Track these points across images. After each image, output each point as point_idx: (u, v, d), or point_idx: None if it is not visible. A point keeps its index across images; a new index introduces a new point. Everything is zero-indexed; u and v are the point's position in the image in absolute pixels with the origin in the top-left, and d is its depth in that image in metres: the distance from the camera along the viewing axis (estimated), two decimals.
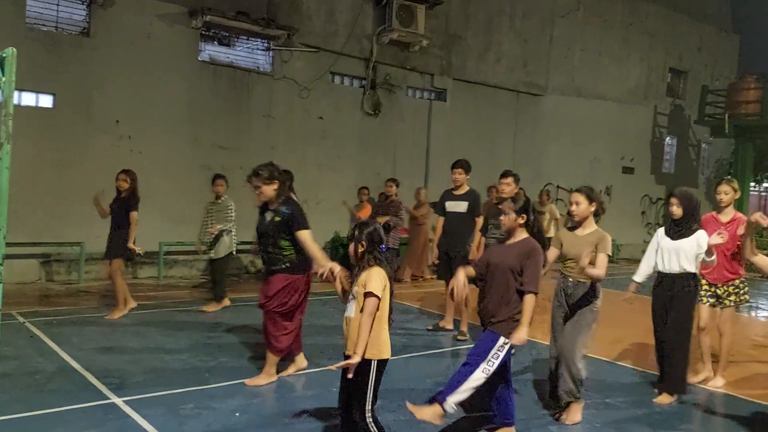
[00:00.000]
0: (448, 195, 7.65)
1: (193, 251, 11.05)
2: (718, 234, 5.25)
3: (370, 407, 3.64)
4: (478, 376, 4.08)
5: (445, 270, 7.62)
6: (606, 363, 6.61)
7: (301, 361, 5.80)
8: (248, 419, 4.65)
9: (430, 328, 7.86)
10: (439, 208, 7.81)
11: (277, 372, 5.58)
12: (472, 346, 6.95)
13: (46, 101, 9.87)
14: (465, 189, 7.51)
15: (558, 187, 16.59)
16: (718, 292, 5.86)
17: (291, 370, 5.73)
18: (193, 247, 10.90)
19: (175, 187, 10.54)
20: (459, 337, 7.44)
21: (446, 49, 14.14)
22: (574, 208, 4.84)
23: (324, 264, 4.37)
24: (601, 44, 17.60)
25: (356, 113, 12.96)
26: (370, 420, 3.64)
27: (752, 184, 20.95)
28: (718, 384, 6.01)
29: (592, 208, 4.81)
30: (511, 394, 4.44)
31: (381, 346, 3.65)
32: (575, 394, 4.78)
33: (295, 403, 5.11)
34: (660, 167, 19.83)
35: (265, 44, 11.83)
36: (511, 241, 4.37)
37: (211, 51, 11.38)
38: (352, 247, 3.74)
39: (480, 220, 7.20)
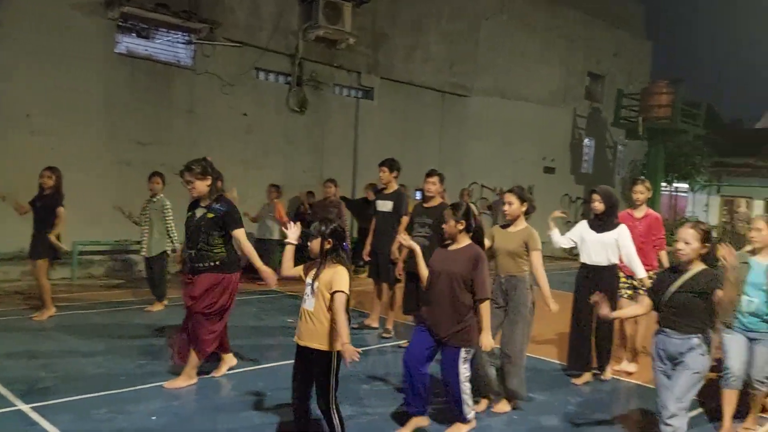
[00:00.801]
0: (378, 194, 7.69)
1: (108, 251, 10.69)
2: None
3: (334, 394, 3.80)
4: (466, 387, 4.40)
5: (373, 270, 7.64)
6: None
7: (230, 359, 5.69)
8: (166, 422, 4.51)
9: (356, 326, 7.83)
10: (372, 207, 7.82)
11: (207, 373, 5.46)
12: (398, 342, 7.08)
13: None
14: (393, 188, 7.51)
15: (483, 186, 16.92)
16: (635, 284, 6.16)
17: (223, 369, 5.61)
18: (110, 246, 10.58)
19: (91, 184, 10.08)
20: (384, 335, 7.45)
21: (373, 48, 14.17)
22: (506, 207, 5.14)
23: (264, 269, 4.57)
24: (525, 48, 18.05)
25: (282, 110, 12.79)
26: (334, 407, 3.80)
27: (663, 184, 21.94)
28: (630, 369, 6.34)
29: (524, 208, 5.14)
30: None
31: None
32: (522, 396, 5.12)
33: (215, 404, 4.98)
34: (579, 167, 20.54)
35: (186, 37, 11.49)
36: (455, 247, 4.47)
37: (128, 43, 10.95)
38: (317, 242, 3.80)
39: (405, 220, 7.19)
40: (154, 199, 8.04)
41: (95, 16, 10.34)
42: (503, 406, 5.09)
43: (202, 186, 5.11)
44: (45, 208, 7.20)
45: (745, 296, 4.64)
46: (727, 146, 28.64)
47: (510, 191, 5.18)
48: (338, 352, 3.75)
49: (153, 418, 4.56)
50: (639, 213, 6.38)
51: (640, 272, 5.81)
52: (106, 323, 7.41)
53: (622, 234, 5.76)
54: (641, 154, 21.65)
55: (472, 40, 16.55)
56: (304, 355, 3.86)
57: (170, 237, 7.99)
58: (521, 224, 5.14)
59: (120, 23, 10.69)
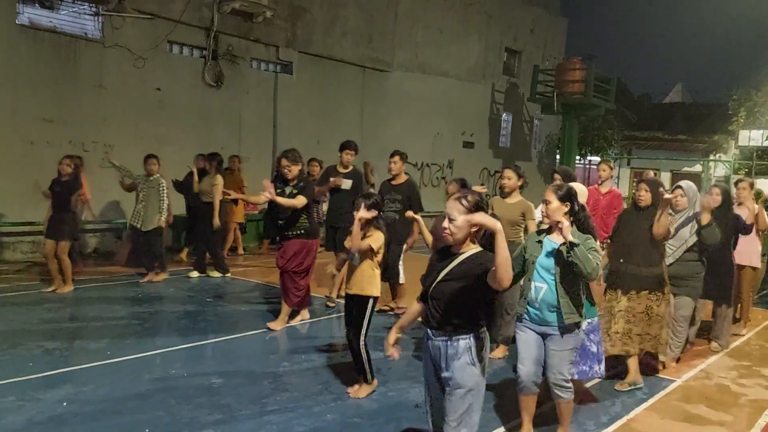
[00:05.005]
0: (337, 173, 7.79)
1: (12, 233, 10.24)
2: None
3: (365, 332, 4.70)
4: None
5: (330, 243, 7.76)
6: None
7: (305, 313, 6.92)
8: (77, 408, 4.40)
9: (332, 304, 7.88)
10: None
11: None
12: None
13: None
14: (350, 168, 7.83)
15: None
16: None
17: (298, 319, 6.83)
18: (19, 228, 10.10)
19: None
20: (329, 304, 7.69)
21: (291, 22, 13.93)
22: (505, 181, 5.89)
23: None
24: (443, 23, 18.16)
25: (197, 84, 12.43)
26: (363, 344, 4.69)
27: (577, 157, 22.76)
28: None
29: (520, 183, 5.91)
30: None
31: (379, 286, 4.81)
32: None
33: (125, 388, 4.86)
34: (497, 142, 20.97)
35: (94, 9, 10.95)
36: None
37: (30, 14, 10.34)
38: (364, 212, 4.54)
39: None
40: (151, 179, 8.61)
41: None
42: (499, 352, 5.88)
43: (295, 170, 6.36)
44: (63, 192, 7.79)
45: (533, 282, 3.98)
46: (636, 120, 29.93)
47: (508, 167, 5.98)
48: (374, 298, 4.70)
49: (64, 404, 4.44)
50: (604, 189, 7.53)
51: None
52: (7, 308, 7.08)
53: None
54: (556, 128, 22.33)
55: (391, 15, 16.52)
56: (350, 301, 4.78)
57: (161, 212, 8.55)
58: (517, 197, 5.90)
59: None
